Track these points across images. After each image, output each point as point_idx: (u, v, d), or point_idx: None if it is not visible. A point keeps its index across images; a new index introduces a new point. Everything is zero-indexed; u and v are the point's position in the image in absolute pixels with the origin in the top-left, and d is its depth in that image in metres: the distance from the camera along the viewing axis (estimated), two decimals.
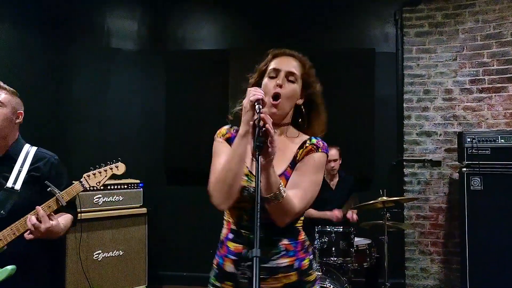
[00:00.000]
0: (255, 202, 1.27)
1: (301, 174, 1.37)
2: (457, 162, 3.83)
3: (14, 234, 1.65)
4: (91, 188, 1.81)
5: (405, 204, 4.04)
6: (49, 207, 1.67)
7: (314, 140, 1.43)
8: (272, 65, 1.42)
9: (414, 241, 4.06)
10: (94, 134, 4.12)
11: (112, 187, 3.68)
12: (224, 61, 4.23)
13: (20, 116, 1.86)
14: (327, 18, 4.28)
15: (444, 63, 4.03)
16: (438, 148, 4.04)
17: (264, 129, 1.13)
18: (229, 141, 1.43)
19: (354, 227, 3.20)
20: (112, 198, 3.70)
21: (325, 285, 2.51)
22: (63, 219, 1.78)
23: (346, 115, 4.11)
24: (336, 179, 3.70)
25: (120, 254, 3.71)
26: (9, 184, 1.75)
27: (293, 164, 1.40)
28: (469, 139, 3.38)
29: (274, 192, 1.22)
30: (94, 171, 1.80)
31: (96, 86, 4.18)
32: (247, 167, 1.36)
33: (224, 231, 1.43)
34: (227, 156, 1.30)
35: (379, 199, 2.94)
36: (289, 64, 1.42)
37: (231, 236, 1.39)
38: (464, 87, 3.99)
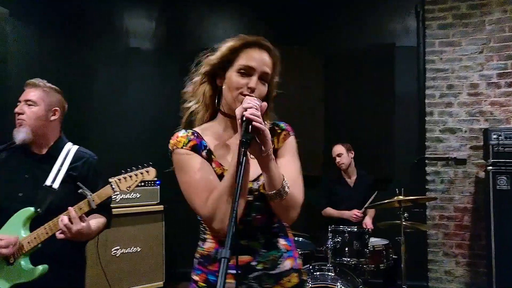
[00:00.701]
0: (250, 205, 1.20)
1: (289, 162, 1.27)
2: (483, 160, 3.64)
3: (47, 233, 1.68)
4: (121, 192, 1.76)
5: (427, 204, 3.88)
6: (80, 208, 1.67)
7: (282, 125, 1.34)
8: (246, 61, 1.21)
9: (438, 243, 3.89)
10: (113, 132, 4.19)
11: None
12: None
13: (57, 113, 1.88)
14: (345, 13, 4.18)
15: (469, 56, 3.84)
16: (463, 145, 3.85)
17: (251, 126, 1.05)
18: (196, 149, 1.23)
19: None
20: (130, 195, 3.75)
21: (336, 287, 2.44)
22: (96, 222, 1.79)
23: (365, 112, 4.02)
24: (354, 177, 3.62)
25: (138, 250, 3.76)
26: (48, 182, 1.77)
27: (274, 152, 1.25)
28: (494, 136, 3.21)
29: (277, 188, 1.14)
30: (125, 175, 1.74)
31: (115, 85, 4.25)
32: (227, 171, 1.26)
33: (210, 245, 1.25)
34: (228, 172, 1.15)
35: (395, 198, 2.83)
36: (264, 62, 1.23)
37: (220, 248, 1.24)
38: (491, 81, 3.79)
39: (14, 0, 3.28)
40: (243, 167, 1.00)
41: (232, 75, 1.21)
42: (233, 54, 1.23)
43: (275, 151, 1.28)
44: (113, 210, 3.70)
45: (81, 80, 4.11)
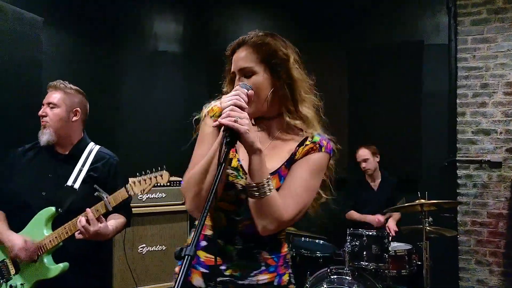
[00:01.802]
0: (242, 204, 1.17)
1: (296, 177, 1.17)
2: None
3: (67, 233, 1.76)
4: (136, 195, 1.79)
5: (458, 209, 3.71)
6: (97, 210, 1.73)
7: (317, 138, 1.22)
8: (231, 65, 1.26)
9: (470, 250, 3.70)
10: (141, 133, 4.33)
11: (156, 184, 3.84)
12: None
13: (78, 113, 1.96)
14: (371, 9, 4.07)
15: (506, 53, 3.63)
16: (498, 147, 3.64)
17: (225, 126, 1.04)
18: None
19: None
20: (156, 195, 3.85)
21: None
22: (114, 222, 1.86)
23: (392, 112, 3.91)
24: (378, 180, 3.53)
25: (163, 249, 3.85)
26: (69, 182, 1.87)
27: (290, 162, 1.22)
28: None
29: (256, 182, 1.08)
30: (139, 178, 1.78)
31: (143, 87, 4.40)
32: (238, 159, 1.23)
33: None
34: (207, 154, 1.13)
35: (417, 201, 2.72)
36: (238, 59, 1.22)
37: (203, 243, 1.23)
38: None
39: (49, 8, 3.47)
40: (222, 167, 0.99)
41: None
42: (230, 65, 1.27)
43: (292, 162, 1.21)
44: (139, 209, 3.86)
45: (111, 82, 4.28)
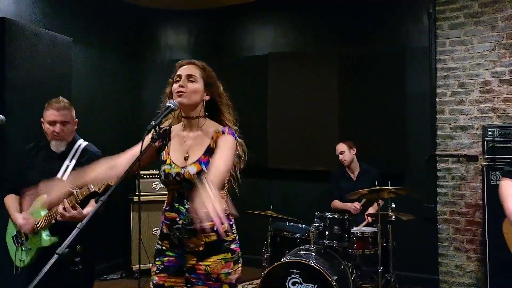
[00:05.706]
0: (180, 183, 1.73)
1: (216, 154, 1.71)
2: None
3: (53, 215, 2.29)
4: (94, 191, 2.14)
5: (438, 199, 4.01)
6: (71, 201, 2.18)
7: (220, 129, 1.74)
8: (176, 73, 1.78)
9: (449, 237, 3.99)
10: None
11: None
12: (264, 66, 4.71)
13: (76, 123, 2.41)
14: (358, 17, 4.45)
15: (481, 54, 3.88)
16: (474, 142, 3.90)
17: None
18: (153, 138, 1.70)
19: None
20: None
21: (309, 263, 2.82)
22: (91, 208, 2.24)
23: (378, 111, 4.25)
24: (357, 171, 3.92)
25: None
26: (59, 175, 2.32)
27: (208, 151, 1.73)
28: (489, 132, 3.28)
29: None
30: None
31: (160, 93, 5.03)
32: (170, 158, 1.77)
33: (165, 205, 1.81)
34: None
35: (373, 187, 3.12)
36: (188, 69, 1.75)
37: (168, 208, 1.78)
38: (503, 78, 3.79)
39: (77, 29, 4.18)
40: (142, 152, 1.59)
41: (173, 86, 1.78)
42: (175, 74, 1.82)
43: (212, 150, 1.72)
44: (154, 197, 4.42)
45: (132, 89, 4.96)
